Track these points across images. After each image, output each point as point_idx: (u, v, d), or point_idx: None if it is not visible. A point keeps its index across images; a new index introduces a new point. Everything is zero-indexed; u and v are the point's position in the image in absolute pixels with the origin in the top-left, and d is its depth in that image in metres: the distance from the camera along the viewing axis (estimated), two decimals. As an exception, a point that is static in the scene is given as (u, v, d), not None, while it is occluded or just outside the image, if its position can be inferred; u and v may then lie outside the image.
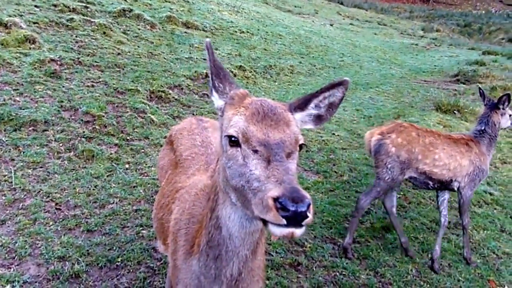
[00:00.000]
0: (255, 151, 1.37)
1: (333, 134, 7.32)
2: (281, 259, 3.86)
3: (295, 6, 24.40)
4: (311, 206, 1.22)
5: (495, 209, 5.56)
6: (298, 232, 1.25)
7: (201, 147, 2.54)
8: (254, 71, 10.15)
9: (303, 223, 1.23)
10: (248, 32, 12.87)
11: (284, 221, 1.21)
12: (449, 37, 26.05)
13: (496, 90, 10.89)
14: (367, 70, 13.58)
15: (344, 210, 4.91)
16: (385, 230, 4.67)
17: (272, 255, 3.89)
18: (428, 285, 3.91)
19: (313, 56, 13.32)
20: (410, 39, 23.12)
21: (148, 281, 3.31)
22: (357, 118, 8.52)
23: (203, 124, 2.83)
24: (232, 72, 9.32)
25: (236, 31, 12.44)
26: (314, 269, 3.84)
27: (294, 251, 4.03)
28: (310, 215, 1.22)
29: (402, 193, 5.67)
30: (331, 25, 21.81)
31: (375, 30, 24.47)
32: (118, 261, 3.42)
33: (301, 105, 1.54)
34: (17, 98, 5.39)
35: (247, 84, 9.23)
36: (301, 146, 1.45)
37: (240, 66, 9.81)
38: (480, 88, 4.73)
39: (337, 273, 3.84)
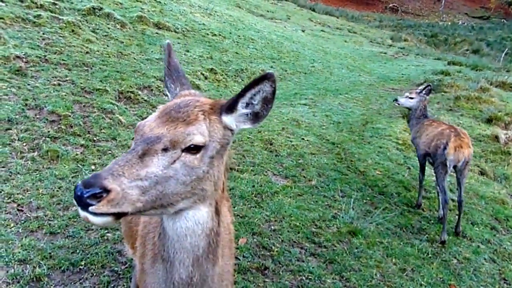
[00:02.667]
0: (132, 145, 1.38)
1: (303, 139, 7.40)
2: (248, 263, 3.87)
3: (268, 11, 24.58)
4: (105, 198, 1.20)
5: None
6: (91, 218, 1.21)
7: None
8: (226, 74, 10.15)
9: (90, 209, 1.20)
10: (220, 35, 12.86)
11: (76, 203, 1.21)
12: (416, 47, 26.87)
13: (460, 99, 11.32)
14: (337, 77, 13.83)
15: (311, 214, 4.97)
16: (351, 234, 4.76)
17: (239, 259, 3.89)
18: (391, 289, 4.00)
19: (284, 61, 13.45)
20: (379, 48, 23.71)
21: (112, 285, 3.24)
22: (326, 124, 8.65)
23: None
24: (203, 74, 9.30)
25: (208, 34, 12.41)
26: (281, 273, 3.86)
27: (261, 255, 4.05)
28: (95, 203, 1.19)
29: (368, 198, 5.79)
30: (303, 31, 22.09)
31: (346, 37, 24.95)
32: (82, 265, 3.34)
33: (230, 107, 1.48)
34: (-22, 95, 5.18)
35: (218, 87, 9.23)
36: (197, 147, 1.39)
37: (212, 69, 9.80)
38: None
39: (303, 277, 3.88)
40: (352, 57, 18.21)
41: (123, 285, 3.27)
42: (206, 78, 9.29)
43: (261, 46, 13.87)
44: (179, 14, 12.73)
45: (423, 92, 5.99)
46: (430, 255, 4.78)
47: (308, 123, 8.40)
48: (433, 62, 19.88)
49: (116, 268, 3.42)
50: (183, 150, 1.36)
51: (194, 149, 1.37)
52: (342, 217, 5.03)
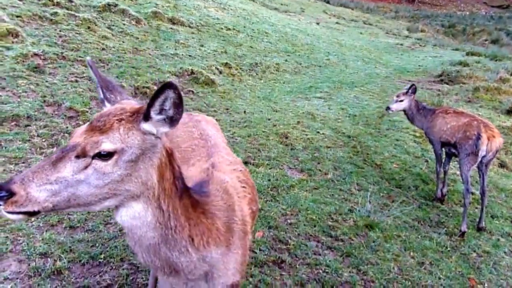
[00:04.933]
0: None
1: (318, 132, 7.37)
2: (265, 256, 3.88)
3: (282, 4, 24.44)
4: (9, 200, 1.41)
5: (476, 208, 5.67)
6: (3, 214, 1.43)
7: (200, 140, 2.58)
8: (240, 68, 10.15)
9: (0, 207, 1.42)
10: (234, 29, 12.85)
11: None
12: (434, 37, 26.43)
13: (479, 90, 11.10)
14: (352, 69, 13.69)
15: (328, 208, 4.95)
16: (368, 228, 4.73)
17: (256, 253, 3.91)
18: (410, 283, 3.97)
19: (299, 54, 13.37)
20: (395, 39, 23.38)
21: (131, 278, 3.29)
22: (342, 117, 8.58)
23: (195, 117, 2.86)
24: (217, 69, 9.31)
25: (222, 28, 12.41)
26: (298, 266, 3.87)
27: (277, 249, 4.05)
28: (2, 204, 1.41)
29: (385, 191, 5.74)
30: (317, 23, 21.91)
31: (361, 29, 24.67)
32: (101, 258, 3.39)
33: (146, 117, 1.57)
34: (0, 93, 5.29)
35: (233, 81, 9.23)
36: (109, 154, 1.51)
37: (226, 63, 9.81)
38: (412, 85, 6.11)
39: (320, 271, 3.87)
40: (367, 49, 18.00)
41: (142, 278, 3.32)
42: (220, 72, 9.30)
43: (275, 40, 13.82)
44: (193, 9, 12.75)
45: (410, 91, 6.08)
46: (448, 249, 4.72)
47: (323, 116, 8.35)
48: (451, 53, 19.53)
49: (134, 261, 3.47)
50: (93, 157, 1.49)
51: (105, 155, 1.50)
52: (359, 211, 5.00)
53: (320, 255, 4.09)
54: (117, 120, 1.56)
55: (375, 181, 5.97)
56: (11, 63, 6.03)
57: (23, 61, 6.18)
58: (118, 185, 1.54)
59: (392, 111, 6.19)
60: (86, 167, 1.50)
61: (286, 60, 12.26)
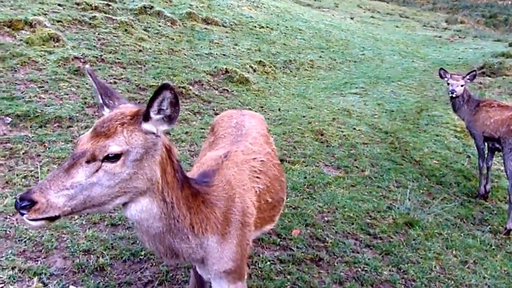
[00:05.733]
0: None
1: (354, 129, 7.25)
2: (302, 254, 3.85)
3: (315, 0, 24.21)
4: (32, 208, 1.53)
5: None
6: (27, 222, 1.57)
7: (234, 128, 2.70)
8: (274, 66, 10.13)
9: (24, 217, 1.55)
10: (267, 27, 12.84)
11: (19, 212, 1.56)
12: (474, 28, 25.42)
13: (524, 82, 10.60)
14: (389, 64, 13.38)
15: (365, 205, 4.86)
16: (408, 226, 4.61)
17: (293, 250, 3.89)
18: (453, 282, 3.84)
19: (333, 50, 13.20)
20: (433, 32, 22.67)
21: (171, 274, 3.35)
22: (379, 113, 8.41)
23: (241, 112, 3.02)
24: (251, 67, 9.33)
25: (255, 26, 12.43)
26: (336, 264, 3.82)
27: (315, 246, 4.01)
28: (26, 213, 1.53)
29: (425, 188, 5.58)
30: (352, 18, 21.56)
31: (397, 22, 24.08)
32: (142, 255, 3.47)
33: (145, 117, 1.68)
34: (43, 95, 5.51)
35: (267, 79, 9.23)
36: (116, 156, 1.62)
37: (260, 61, 9.81)
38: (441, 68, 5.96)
39: (359, 269, 3.81)
40: (404, 42, 17.55)
41: (181, 275, 3.37)
42: (254, 70, 9.31)
43: (309, 36, 13.70)
44: (226, 8, 12.83)
45: (468, 77, 5.74)
46: (493, 247, 4.53)
47: (359, 112, 8.21)
48: (493, 44, 18.73)
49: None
50: (102, 160, 1.61)
51: (113, 158, 1.62)
52: (398, 208, 4.88)
53: (358, 253, 4.03)
54: (119, 124, 1.67)
55: (414, 177, 5.82)
56: (53, 66, 6.27)
57: (64, 65, 6.41)
58: (127, 183, 1.67)
59: (457, 95, 5.70)
60: (97, 170, 1.61)
61: (320, 57, 12.13)
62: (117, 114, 1.72)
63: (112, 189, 1.64)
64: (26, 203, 1.53)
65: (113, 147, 1.62)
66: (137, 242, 3.60)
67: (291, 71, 10.39)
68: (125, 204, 1.76)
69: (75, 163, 1.61)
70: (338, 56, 12.82)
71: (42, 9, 7.94)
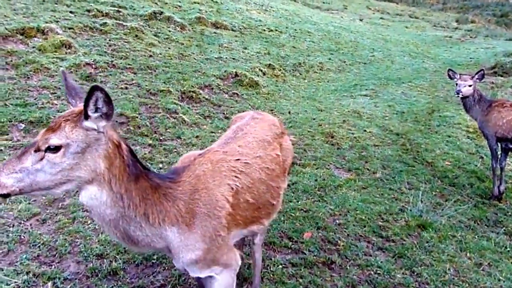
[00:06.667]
0: None
1: (365, 131, 7.21)
2: (314, 257, 3.84)
3: (324, 2, 24.18)
4: None
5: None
6: None
7: (232, 131, 2.81)
8: (284, 69, 10.13)
9: None
10: (276, 30, 12.86)
11: None
12: (485, 28, 25.15)
13: (537, 82, 10.46)
14: (399, 65, 13.30)
15: (377, 208, 4.83)
16: (420, 228, 4.56)
17: (305, 253, 3.87)
18: (467, 285, 3.79)
19: (342, 52, 13.17)
20: (444, 32, 22.49)
21: (183, 278, 3.36)
22: (389, 114, 8.36)
23: (255, 114, 3.04)
24: (261, 70, 9.34)
25: (264, 30, 12.45)
26: (348, 267, 3.80)
27: (327, 250, 4.00)
28: None
29: (438, 190, 5.53)
30: (361, 20, 21.50)
31: (407, 23, 23.94)
32: (154, 259, 3.49)
33: (85, 116, 1.87)
34: (55, 102, 5.58)
35: (277, 82, 9.23)
36: (56, 148, 1.83)
37: (269, 64, 9.82)
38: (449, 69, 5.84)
39: (372, 272, 3.78)
40: (414, 43, 17.44)
41: (193, 278, 3.38)
42: (264, 74, 9.32)
43: (318, 39, 13.69)
44: (235, 12, 12.88)
45: (476, 77, 5.59)
46: (508, 249, 4.47)
47: (369, 114, 8.17)
48: (505, 43, 18.51)
49: (185, 262, 3.54)
50: (45, 151, 1.83)
51: (54, 149, 1.83)
52: (410, 210, 4.84)
53: (371, 256, 4.00)
54: (64, 120, 1.89)
55: (426, 179, 5.77)
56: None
57: (76, 71, 6.49)
58: (69, 172, 1.87)
59: (463, 95, 5.61)
60: (41, 159, 1.84)
61: (329, 59, 12.11)
62: (68, 112, 1.95)
63: (55, 176, 1.86)
64: None
65: (53, 140, 1.84)
66: (150, 246, 3.62)
67: (300, 74, 10.39)
68: (78, 192, 1.97)
69: (26, 151, 1.86)
70: (348, 58, 12.78)
71: (54, 16, 8.05)
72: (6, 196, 1.84)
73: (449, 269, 3.97)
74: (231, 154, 2.51)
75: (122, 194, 2.00)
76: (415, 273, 3.85)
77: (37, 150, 1.85)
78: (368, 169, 5.81)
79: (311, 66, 11.01)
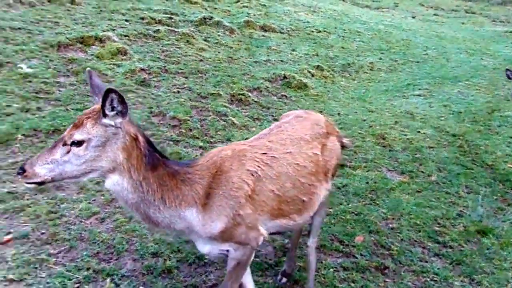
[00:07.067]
0: None
1: (419, 132, 6.96)
2: (366, 261, 3.76)
3: (373, 1, 23.62)
4: (23, 174, 2.07)
5: None
6: (23, 183, 2.16)
7: (270, 128, 2.97)
8: (332, 70, 10.01)
9: (19, 179, 2.12)
10: (325, 31, 12.72)
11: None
12: (550, 21, 23.49)
13: None
14: (455, 63, 12.73)
15: (433, 212, 4.65)
16: (480, 234, 4.34)
17: (357, 257, 3.80)
18: (533, 295, 3.56)
19: (394, 51, 12.80)
20: (504, 27, 21.24)
21: (234, 279, 3.40)
22: (445, 115, 8.02)
23: (300, 113, 3.14)
24: (309, 72, 9.28)
25: (313, 31, 12.37)
26: (402, 273, 3.68)
27: (379, 254, 3.90)
28: (20, 177, 2.09)
29: (499, 194, 5.23)
30: (413, 17, 20.80)
31: (463, 19, 22.85)
32: (206, 259, 3.56)
33: (103, 114, 2.12)
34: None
35: (325, 84, 9.14)
36: (79, 142, 2.10)
37: (318, 65, 9.73)
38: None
39: (428, 279, 3.65)
40: (471, 40, 16.61)
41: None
42: (313, 75, 9.26)
43: (368, 38, 13.39)
44: (283, 14, 12.89)
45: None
46: None
47: (423, 114, 7.88)
48: None
49: (236, 263, 3.58)
50: (71, 145, 2.10)
51: (78, 143, 2.10)
52: (469, 215, 4.62)
53: (426, 262, 3.86)
54: (86, 118, 2.15)
55: (486, 183, 5.48)
56: (121, 78, 6.63)
57: (132, 76, 6.76)
58: (92, 163, 2.14)
59: None
60: (68, 152, 2.10)
61: (380, 58, 11.81)
62: (91, 110, 2.20)
63: (80, 167, 2.12)
64: (20, 171, 2.08)
65: (77, 136, 2.10)
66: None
67: (350, 75, 10.21)
68: (105, 180, 2.24)
69: (56, 145, 2.13)
70: (400, 57, 12.40)
71: (111, 25, 8.45)
72: (40, 183, 2.13)
73: (511, 277, 3.75)
74: (258, 148, 2.64)
75: (141, 181, 2.24)
76: (475, 281, 3.67)
77: (64, 144, 2.11)
78: (422, 172, 5.60)
79: (361, 66, 10.79)
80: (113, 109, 2.12)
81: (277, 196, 2.57)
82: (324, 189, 2.97)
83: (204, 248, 2.54)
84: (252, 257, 2.66)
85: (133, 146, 2.22)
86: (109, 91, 2.06)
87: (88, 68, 2.52)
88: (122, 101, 2.11)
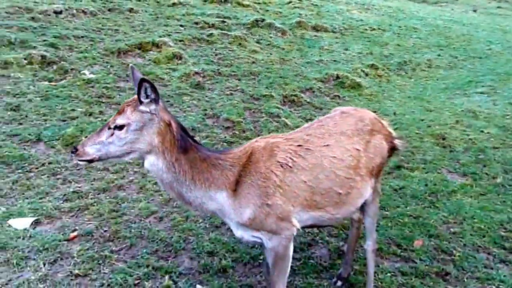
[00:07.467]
0: None
1: (482, 131, 6.59)
2: (426, 267, 3.61)
3: (431, -4, 22.69)
4: (75, 153, 2.39)
5: None
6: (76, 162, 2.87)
7: (312, 123, 3.02)
8: (387, 68, 9.73)
9: (73, 157, 2.64)
10: (379, 28, 12.41)
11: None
12: None
13: None
14: (522, 58, 11.93)
15: (499, 216, 4.38)
16: (553, 240, 4.03)
17: (416, 262, 3.67)
18: None
19: (454, 47, 12.22)
20: None
21: (289, 280, 3.38)
22: (511, 113, 7.53)
23: (347, 110, 3.14)
24: (363, 71, 9.09)
25: (366, 29, 12.10)
26: (465, 280, 3.50)
27: (440, 260, 3.73)
28: (73, 155, 2.42)
29: None
30: (474, 11, 19.76)
31: (530, 11, 21.38)
32: (260, 259, 3.58)
33: (140, 102, 2.38)
34: (168, 109, 6.03)
35: (380, 83, 8.90)
36: (121, 126, 2.37)
37: (372, 64, 9.51)
38: None
39: (493, 286, 3.44)
40: (540, 33, 15.49)
41: (299, 280, 3.40)
42: (367, 74, 9.05)
43: (425, 34, 12.89)
44: (335, 13, 12.72)
45: None
46: None
47: (487, 113, 7.45)
48: None
49: (291, 264, 3.57)
50: (114, 128, 2.38)
51: (119, 127, 2.37)
52: (540, 220, 4.30)
53: (492, 269, 3.64)
54: (126, 105, 2.43)
55: (560, 185, 5.08)
56: (177, 82, 6.85)
57: (186, 80, 6.96)
58: (132, 144, 2.40)
59: None
60: (112, 135, 2.38)
61: (439, 55, 11.32)
62: (130, 99, 2.48)
63: (122, 147, 2.39)
64: (73, 150, 2.40)
65: (119, 121, 2.38)
66: (256, 246, 3.73)
67: (406, 73, 9.88)
68: (143, 160, 2.49)
69: (103, 129, 2.42)
70: (460, 53, 11.82)
71: (166, 30, 8.75)
72: (90, 161, 2.44)
73: None
74: (294, 140, 2.71)
75: (173, 162, 2.45)
76: (547, 291, 3.42)
77: (109, 128, 2.39)
78: (486, 174, 5.29)
79: (418, 64, 10.40)
80: (147, 97, 2.37)
81: (309, 187, 2.61)
82: (368, 187, 2.93)
83: (237, 232, 2.65)
84: (291, 251, 2.68)
85: (167, 131, 2.45)
86: (142, 80, 2.31)
87: (131, 64, 2.80)
88: (154, 89, 2.35)
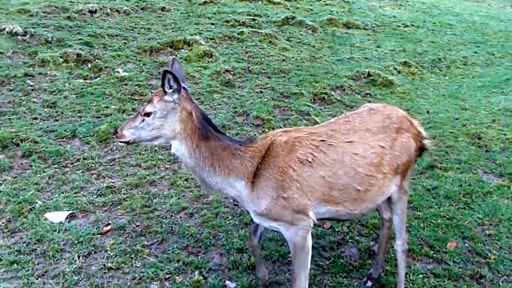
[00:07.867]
0: None
1: (520, 131, 6.35)
2: (460, 269, 3.52)
3: (467, -9, 21.99)
4: (116, 135, 2.73)
5: None
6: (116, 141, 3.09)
7: (338, 118, 3.04)
8: (421, 66, 9.51)
9: (114, 138, 2.97)
10: (412, 25, 12.15)
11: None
12: None
13: None
14: None
15: (538, 219, 4.22)
16: None
17: (449, 264, 3.58)
18: None
19: (490, 44, 11.82)
20: None
21: (318, 278, 3.39)
22: (552, 112, 7.22)
23: (375, 107, 3.10)
24: (396, 69, 8.92)
25: (399, 26, 11.87)
26: (501, 284, 3.40)
27: (475, 262, 3.64)
28: (114, 137, 2.76)
29: None
30: (513, 6, 19.02)
31: None
32: (289, 257, 3.57)
33: (164, 92, 2.60)
34: (200, 106, 6.10)
35: (413, 81, 8.71)
36: (148, 113, 2.62)
37: (405, 62, 9.31)
38: None
39: (531, 291, 3.33)
40: None
41: (329, 280, 3.38)
42: (399, 72, 8.88)
43: (460, 31, 12.52)
44: (368, 10, 12.54)
45: None
46: None
47: (526, 111, 7.17)
48: None
49: (321, 263, 3.56)
50: (144, 115, 2.63)
51: (147, 114, 2.62)
52: None
53: (530, 273, 3.52)
54: (154, 95, 2.68)
55: None
56: (208, 80, 6.92)
57: (217, 78, 7.02)
58: (158, 130, 2.63)
59: None
60: (143, 120, 2.64)
61: (475, 52, 10.98)
62: (159, 90, 2.67)
63: (150, 132, 2.64)
64: (114, 132, 2.72)
65: (147, 108, 2.63)
66: (285, 244, 3.72)
67: (440, 70, 9.62)
68: (169, 144, 2.72)
69: (137, 115, 2.69)
70: (497, 50, 11.41)
71: (198, 29, 8.84)
72: (127, 143, 2.73)
73: None
74: (317, 135, 2.75)
75: (195, 148, 2.63)
76: None
77: (141, 115, 2.65)
78: (525, 175, 5.11)
79: (453, 61, 10.11)
80: (170, 87, 2.57)
81: (327, 182, 2.66)
82: (392, 184, 2.90)
83: (255, 219, 2.78)
84: (309, 242, 2.73)
85: (189, 119, 2.63)
86: (165, 72, 2.51)
87: (173, 57, 3.05)
88: (176, 80, 2.54)
